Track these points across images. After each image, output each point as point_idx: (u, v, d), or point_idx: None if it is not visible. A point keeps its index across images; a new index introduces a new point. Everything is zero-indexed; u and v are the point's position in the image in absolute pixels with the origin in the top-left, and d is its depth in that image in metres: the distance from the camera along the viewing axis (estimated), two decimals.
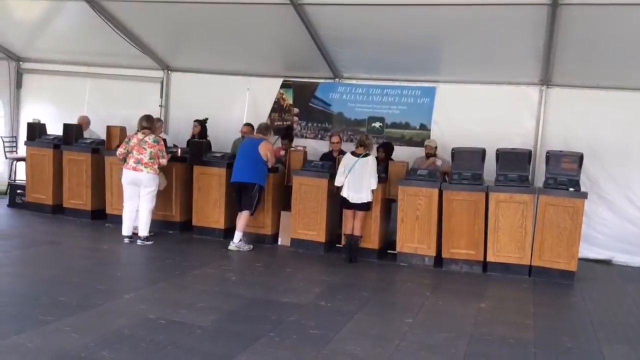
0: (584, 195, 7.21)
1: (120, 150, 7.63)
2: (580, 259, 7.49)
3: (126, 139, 7.70)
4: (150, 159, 7.53)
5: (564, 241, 7.16)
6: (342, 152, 8.34)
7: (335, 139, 8.76)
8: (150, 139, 7.57)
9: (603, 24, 6.97)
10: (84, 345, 4.23)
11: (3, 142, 10.63)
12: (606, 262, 8.30)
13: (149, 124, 7.68)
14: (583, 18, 6.95)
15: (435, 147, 8.48)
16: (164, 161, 7.68)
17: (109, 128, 8.83)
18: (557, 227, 7.18)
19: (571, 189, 7.20)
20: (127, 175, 7.58)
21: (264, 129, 8.04)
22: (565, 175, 7.39)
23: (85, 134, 9.46)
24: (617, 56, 7.50)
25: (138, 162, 7.50)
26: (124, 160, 7.60)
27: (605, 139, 8.20)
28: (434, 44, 8.22)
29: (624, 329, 5.64)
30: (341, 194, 7.52)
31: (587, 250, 8.16)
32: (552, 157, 7.57)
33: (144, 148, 7.52)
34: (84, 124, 9.67)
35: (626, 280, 7.60)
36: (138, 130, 7.65)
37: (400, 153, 8.86)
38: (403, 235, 7.65)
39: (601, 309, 6.27)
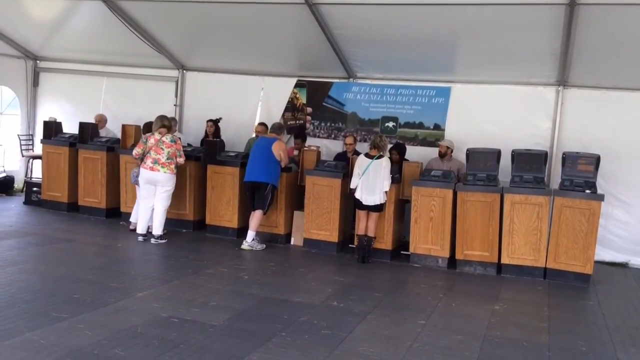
0: (601, 198, 7.13)
1: (137, 151, 7.68)
2: (596, 262, 7.42)
3: (143, 139, 7.75)
4: (167, 159, 7.58)
5: (579, 243, 7.09)
6: (357, 153, 8.33)
7: (349, 140, 8.73)
8: (167, 138, 7.62)
9: (620, 24, 6.90)
10: (97, 343, 4.26)
11: (20, 140, 10.75)
12: (622, 265, 8.20)
13: (168, 122, 7.76)
14: (600, 18, 6.87)
15: (447, 147, 8.38)
16: (181, 160, 7.75)
17: (124, 127, 8.90)
18: (573, 229, 7.11)
19: (587, 191, 7.12)
20: (144, 175, 7.63)
21: (277, 128, 8.04)
22: (581, 177, 7.32)
23: (102, 133, 9.55)
24: (635, 57, 7.42)
25: (155, 162, 7.56)
26: (141, 160, 7.65)
27: (622, 141, 8.11)
28: (449, 43, 8.17)
29: None
30: (355, 195, 7.50)
31: (603, 253, 8.09)
32: (569, 159, 7.51)
33: (161, 148, 7.57)
34: (101, 122, 9.75)
35: None
36: (153, 132, 7.70)
37: (414, 153, 8.83)
38: (416, 236, 7.62)
39: (617, 312, 6.19)
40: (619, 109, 8.15)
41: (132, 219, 8.22)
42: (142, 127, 8.67)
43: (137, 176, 7.88)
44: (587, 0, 6.58)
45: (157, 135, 7.64)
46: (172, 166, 7.64)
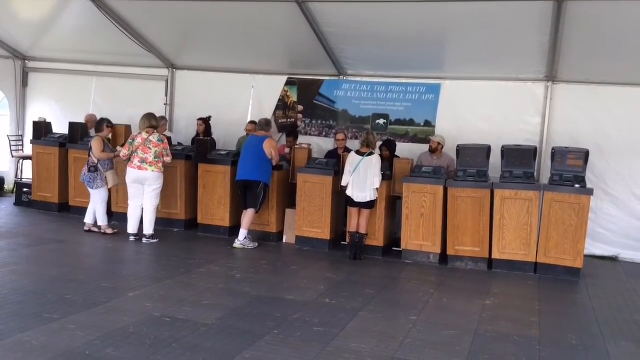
0: (590, 192, 7.19)
1: (124, 152, 7.66)
2: (586, 256, 7.48)
3: (130, 140, 7.73)
4: (155, 157, 7.57)
5: (569, 238, 7.14)
6: (348, 150, 8.34)
7: (340, 136, 8.75)
8: (154, 138, 7.61)
9: (609, 20, 6.94)
10: (89, 343, 4.25)
11: (9, 140, 10.70)
12: (612, 259, 8.26)
13: (156, 122, 7.75)
14: (589, 14, 6.91)
15: (439, 143, 8.38)
16: (168, 159, 7.74)
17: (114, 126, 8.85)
18: (563, 223, 7.16)
19: (577, 186, 7.17)
20: (132, 174, 7.62)
21: (265, 124, 8.02)
22: (571, 171, 7.37)
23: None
24: (623, 52, 7.46)
25: (143, 161, 7.54)
26: (128, 160, 7.64)
27: (611, 135, 8.17)
28: (438, 40, 8.19)
29: (630, 326, 5.62)
30: (346, 192, 7.52)
31: (593, 247, 8.16)
32: (558, 154, 7.56)
33: (149, 148, 7.56)
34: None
35: (632, 277, 7.55)
36: (141, 131, 7.68)
37: (405, 150, 8.86)
38: (408, 233, 7.65)
39: (607, 305, 6.24)
40: (608, 104, 8.20)
41: (86, 220, 8.04)
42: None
43: (85, 174, 7.86)
44: None
45: (144, 135, 7.63)
46: (160, 165, 7.63)
